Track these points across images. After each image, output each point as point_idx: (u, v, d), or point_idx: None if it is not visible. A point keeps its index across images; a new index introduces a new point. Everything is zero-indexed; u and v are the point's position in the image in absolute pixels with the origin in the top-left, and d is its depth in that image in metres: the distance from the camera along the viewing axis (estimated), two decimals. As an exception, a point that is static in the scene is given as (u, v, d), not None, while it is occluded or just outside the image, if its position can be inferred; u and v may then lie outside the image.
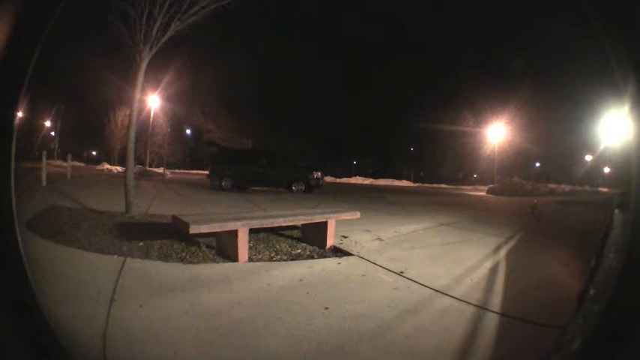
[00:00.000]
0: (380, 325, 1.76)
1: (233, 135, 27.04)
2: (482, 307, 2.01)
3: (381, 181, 25.03)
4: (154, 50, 4.69)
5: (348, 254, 3.12)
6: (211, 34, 5.25)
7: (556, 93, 24.60)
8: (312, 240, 3.45)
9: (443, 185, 27.32)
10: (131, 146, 4.82)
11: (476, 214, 6.75)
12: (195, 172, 26.21)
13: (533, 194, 13.81)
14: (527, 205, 7.80)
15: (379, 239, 3.79)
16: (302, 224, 3.50)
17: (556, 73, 24.84)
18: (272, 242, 3.40)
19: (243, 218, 2.94)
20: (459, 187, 25.74)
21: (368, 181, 25.59)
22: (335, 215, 3.51)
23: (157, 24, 4.51)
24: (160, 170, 19.27)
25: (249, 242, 2.93)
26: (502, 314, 1.93)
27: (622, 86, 0.77)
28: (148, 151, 22.82)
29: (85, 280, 2.21)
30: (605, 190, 20.54)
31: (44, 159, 8.55)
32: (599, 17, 0.80)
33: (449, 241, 3.92)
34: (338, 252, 3.23)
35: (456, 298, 2.15)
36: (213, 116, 27.60)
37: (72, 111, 26.64)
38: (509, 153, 27.39)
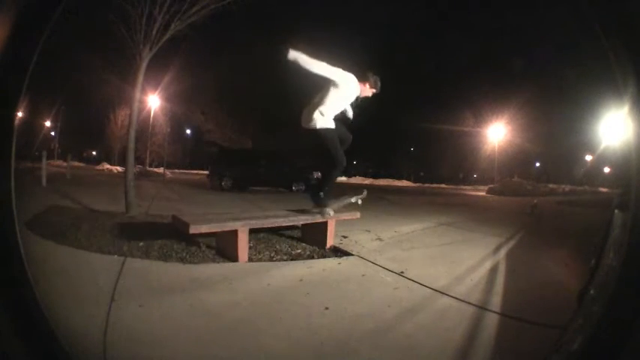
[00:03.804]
0: (380, 325, 1.75)
1: (233, 135, 27.00)
2: (483, 307, 2.01)
3: (381, 181, 25.06)
4: (154, 50, 4.69)
5: (349, 254, 3.12)
6: (211, 33, 5.25)
7: (556, 93, 24.64)
8: (312, 240, 3.44)
9: (443, 185, 27.34)
10: (131, 146, 4.82)
11: (476, 214, 6.74)
12: (195, 172, 26.22)
13: (533, 194, 13.81)
14: (527, 205, 7.79)
15: (379, 239, 3.79)
16: (302, 224, 3.50)
17: (556, 73, 24.87)
18: (272, 242, 3.40)
19: (243, 218, 2.94)
20: (459, 187, 25.75)
21: (368, 181, 25.59)
22: (335, 215, 3.50)
23: (157, 24, 4.52)
24: (160, 170, 19.28)
25: (249, 242, 2.93)
26: (502, 314, 1.93)
27: (622, 86, 0.77)
28: (148, 151, 22.84)
29: (85, 280, 2.22)
30: (605, 190, 20.53)
31: (44, 159, 8.56)
32: (599, 17, 0.79)
33: (449, 241, 3.92)
34: (338, 252, 3.22)
35: (456, 298, 2.15)
36: (213, 116, 27.53)
37: (72, 111, 26.67)
38: (510, 153, 27.43)
